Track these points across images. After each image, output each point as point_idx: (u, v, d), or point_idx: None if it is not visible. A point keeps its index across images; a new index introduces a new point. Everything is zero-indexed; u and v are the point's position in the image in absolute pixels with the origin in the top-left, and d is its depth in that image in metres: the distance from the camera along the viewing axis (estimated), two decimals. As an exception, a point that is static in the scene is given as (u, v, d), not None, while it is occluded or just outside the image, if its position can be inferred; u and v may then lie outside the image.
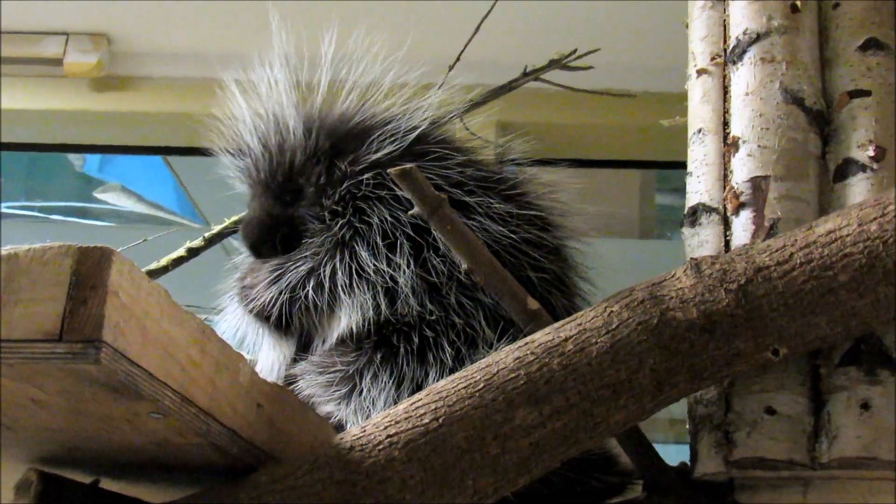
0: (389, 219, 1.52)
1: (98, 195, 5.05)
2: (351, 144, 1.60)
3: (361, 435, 1.19)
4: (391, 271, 1.50)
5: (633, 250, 4.64)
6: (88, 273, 0.98)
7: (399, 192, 1.51)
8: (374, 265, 1.50)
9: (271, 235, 1.61)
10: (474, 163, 1.60)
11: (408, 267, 1.49)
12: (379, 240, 1.51)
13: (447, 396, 1.20)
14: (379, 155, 1.57)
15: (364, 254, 1.52)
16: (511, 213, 1.53)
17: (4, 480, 1.22)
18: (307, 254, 1.56)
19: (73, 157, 4.90)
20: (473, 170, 1.57)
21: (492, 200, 1.53)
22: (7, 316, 0.99)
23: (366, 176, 1.56)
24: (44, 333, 0.97)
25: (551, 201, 1.61)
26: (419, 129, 1.59)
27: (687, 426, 1.38)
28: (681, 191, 1.51)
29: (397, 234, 1.51)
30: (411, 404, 1.21)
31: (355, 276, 1.52)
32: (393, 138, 1.58)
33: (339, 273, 1.53)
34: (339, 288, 1.53)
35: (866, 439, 1.25)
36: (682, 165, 1.52)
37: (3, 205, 4.79)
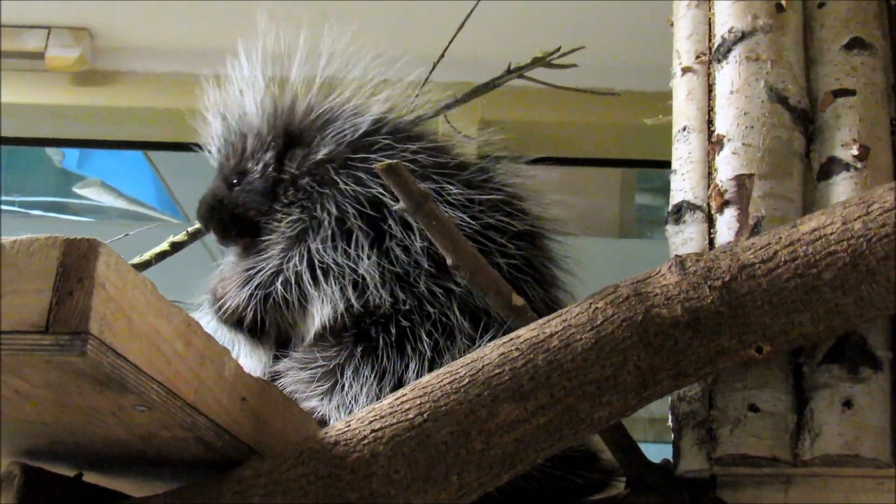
0: (337, 212, 1.53)
1: (77, 190, 5.02)
2: (306, 138, 1.63)
3: (346, 430, 1.19)
4: (350, 263, 1.51)
5: (612, 249, 4.63)
6: (75, 265, 0.98)
7: (344, 186, 1.52)
8: (333, 258, 1.52)
9: (215, 216, 1.67)
10: (428, 150, 1.60)
11: (367, 258, 1.50)
12: (332, 234, 1.53)
13: (432, 392, 1.20)
14: (328, 149, 1.60)
15: (319, 248, 1.53)
16: (472, 198, 1.53)
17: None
18: (271, 254, 1.58)
19: (52, 152, 4.87)
20: (427, 156, 1.57)
21: (451, 187, 1.53)
22: (-7, 307, 0.99)
23: (316, 171, 1.59)
24: (30, 325, 0.97)
25: (518, 187, 1.61)
26: (367, 123, 1.61)
27: (667, 424, 1.38)
28: (661, 190, 1.51)
29: (350, 227, 1.52)
30: (396, 399, 1.21)
31: (318, 270, 1.53)
32: (342, 133, 1.60)
33: (302, 270, 1.54)
34: (306, 283, 1.54)
35: (848, 437, 1.26)
36: (664, 164, 1.53)
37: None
